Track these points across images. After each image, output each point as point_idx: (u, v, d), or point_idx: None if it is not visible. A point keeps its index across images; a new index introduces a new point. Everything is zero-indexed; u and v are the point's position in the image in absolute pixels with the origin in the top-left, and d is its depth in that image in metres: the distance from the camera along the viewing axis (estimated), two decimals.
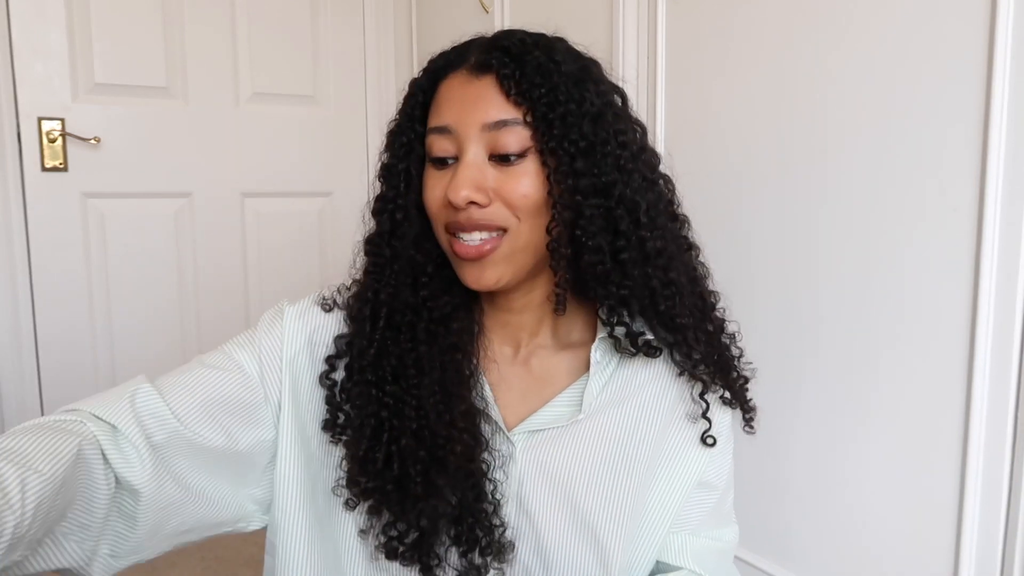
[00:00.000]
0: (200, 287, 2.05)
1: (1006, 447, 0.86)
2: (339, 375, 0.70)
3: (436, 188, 0.66)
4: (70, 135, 1.84)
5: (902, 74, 0.93)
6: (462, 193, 0.63)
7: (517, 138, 0.64)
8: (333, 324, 0.73)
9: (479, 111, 0.64)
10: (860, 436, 1.01)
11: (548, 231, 0.65)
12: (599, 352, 0.71)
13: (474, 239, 0.65)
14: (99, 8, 1.85)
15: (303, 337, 0.72)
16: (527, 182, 0.64)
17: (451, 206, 0.64)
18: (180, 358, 2.03)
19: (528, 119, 0.64)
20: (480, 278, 0.66)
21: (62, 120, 1.83)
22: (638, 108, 1.25)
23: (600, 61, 0.73)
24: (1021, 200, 0.82)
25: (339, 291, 0.75)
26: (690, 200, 0.94)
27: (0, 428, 1.85)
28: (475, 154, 0.64)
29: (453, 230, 0.66)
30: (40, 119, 1.82)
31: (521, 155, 0.64)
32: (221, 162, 2.04)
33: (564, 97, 0.64)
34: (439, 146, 0.66)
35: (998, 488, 0.87)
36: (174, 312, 2.03)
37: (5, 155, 1.78)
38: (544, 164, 0.64)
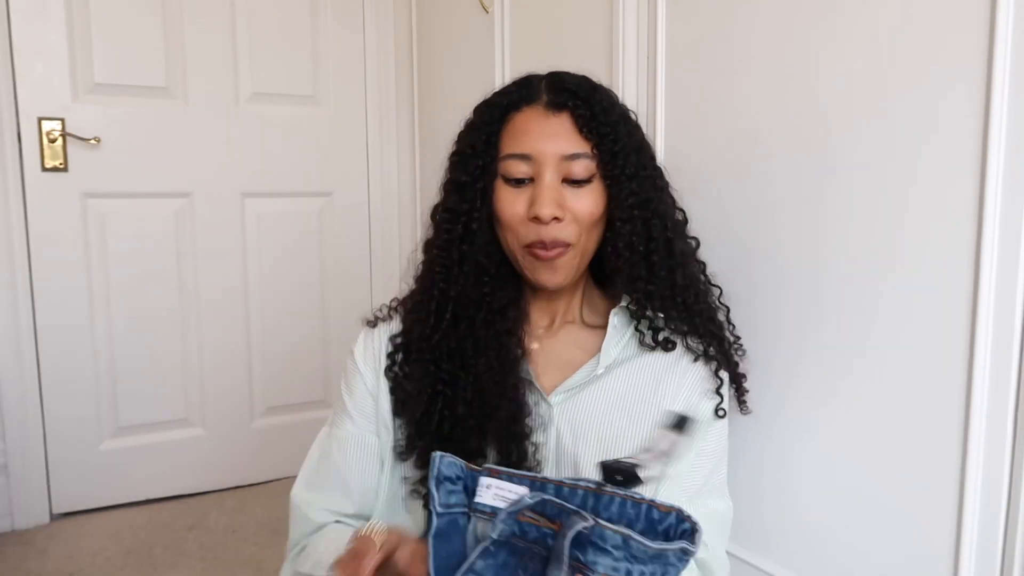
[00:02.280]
0: (200, 287, 2.05)
1: (1006, 447, 0.86)
2: (398, 367, 0.85)
3: (515, 204, 0.80)
4: (70, 135, 1.84)
5: (902, 74, 0.93)
6: (547, 210, 0.77)
7: (585, 167, 0.80)
8: (385, 331, 0.88)
9: (558, 144, 0.79)
10: (859, 435, 1.01)
11: (608, 240, 0.83)
12: (617, 318, 0.85)
13: (549, 249, 0.80)
14: (99, 8, 1.85)
15: (371, 360, 0.88)
16: (592, 201, 0.81)
17: (535, 220, 0.78)
18: (180, 358, 2.04)
19: (594, 151, 0.80)
20: (553, 279, 0.82)
21: (62, 120, 1.83)
22: (638, 108, 1.25)
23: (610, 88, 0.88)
24: (1021, 200, 0.82)
25: (381, 309, 0.91)
26: (689, 199, 0.95)
27: (0, 427, 1.85)
28: (552, 178, 0.79)
29: (532, 244, 0.80)
30: (40, 119, 1.81)
31: (588, 180, 0.80)
32: (221, 162, 2.04)
33: (621, 133, 0.81)
34: (519, 169, 0.80)
35: (998, 488, 0.87)
36: (174, 312, 2.03)
37: (5, 155, 1.78)
38: (607, 188, 0.81)
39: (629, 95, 1.30)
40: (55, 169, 1.84)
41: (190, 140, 1.99)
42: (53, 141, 1.83)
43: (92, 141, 1.86)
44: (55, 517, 1.93)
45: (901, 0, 0.92)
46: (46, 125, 1.82)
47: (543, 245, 0.79)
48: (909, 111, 0.92)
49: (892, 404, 0.97)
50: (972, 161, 0.86)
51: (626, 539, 0.54)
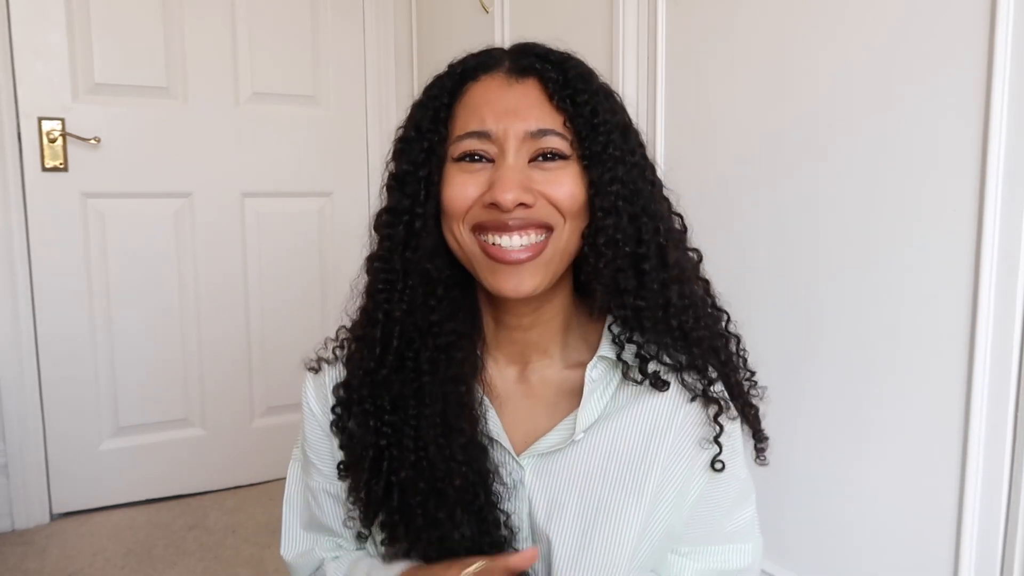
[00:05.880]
0: (200, 287, 2.05)
1: (1006, 447, 0.86)
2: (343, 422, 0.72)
3: (467, 186, 0.63)
4: (70, 135, 1.84)
5: (902, 74, 0.93)
6: (510, 195, 0.60)
7: (559, 144, 0.63)
8: (332, 376, 0.73)
9: (521, 117, 0.62)
10: (859, 437, 1.01)
11: (590, 235, 0.64)
12: (596, 371, 0.68)
13: (514, 244, 0.62)
14: (99, 8, 1.85)
15: (324, 406, 0.74)
16: (571, 182, 0.63)
17: (492, 207, 0.61)
18: (180, 358, 2.04)
19: (568, 125, 0.63)
20: (520, 285, 0.63)
21: (62, 120, 1.83)
22: (638, 109, 1.25)
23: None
24: (1021, 200, 0.82)
25: (326, 346, 0.75)
26: (690, 200, 0.94)
27: (0, 427, 1.85)
28: (516, 159, 0.62)
29: (490, 229, 0.63)
30: (40, 119, 1.81)
31: (563, 157, 0.63)
32: (221, 162, 2.04)
33: (601, 107, 0.64)
34: (475, 146, 0.63)
35: (998, 488, 0.87)
36: (174, 312, 2.03)
37: (5, 155, 1.78)
38: (585, 170, 0.63)
39: (629, 95, 1.30)
40: (55, 169, 1.84)
41: (190, 140, 1.99)
42: (53, 141, 1.83)
43: (92, 141, 1.86)
44: (55, 517, 1.93)
45: (902, 1, 0.92)
46: (46, 125, 1.82)
47: (504, 227, 0.62)
48: (909, 112, 0.92)
49: (891, 405, 0.97)
50: (972, 162, 0.86)
51: None
